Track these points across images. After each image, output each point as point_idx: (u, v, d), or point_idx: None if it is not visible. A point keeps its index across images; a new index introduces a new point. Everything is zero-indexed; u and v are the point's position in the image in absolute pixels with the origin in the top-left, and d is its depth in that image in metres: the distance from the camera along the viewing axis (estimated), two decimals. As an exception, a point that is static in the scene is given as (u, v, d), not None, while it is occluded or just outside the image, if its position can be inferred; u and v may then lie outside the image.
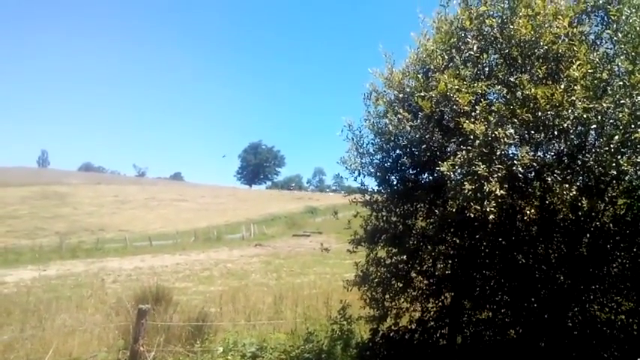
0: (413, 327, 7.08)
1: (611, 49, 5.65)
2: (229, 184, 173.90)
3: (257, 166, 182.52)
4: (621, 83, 5.24)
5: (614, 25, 5.57)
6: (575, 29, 5.45)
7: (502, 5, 5.95)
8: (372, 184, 6.97)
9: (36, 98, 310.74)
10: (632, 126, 4.92)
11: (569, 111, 5.16)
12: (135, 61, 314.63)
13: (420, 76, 6.20)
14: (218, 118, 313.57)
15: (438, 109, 5.84)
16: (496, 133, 5.15)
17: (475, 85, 5.52)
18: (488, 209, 4.91)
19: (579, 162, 5.50)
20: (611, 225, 5.98)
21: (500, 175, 5.05)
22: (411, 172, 6.83)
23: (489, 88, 5.75)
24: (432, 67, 6.12)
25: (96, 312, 12.13)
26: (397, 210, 6.90)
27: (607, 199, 5.83)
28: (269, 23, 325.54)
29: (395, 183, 6.90)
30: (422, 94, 5.82)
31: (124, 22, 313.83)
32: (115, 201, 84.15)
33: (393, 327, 7.12)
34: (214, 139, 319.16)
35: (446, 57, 6.05)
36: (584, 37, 5.69)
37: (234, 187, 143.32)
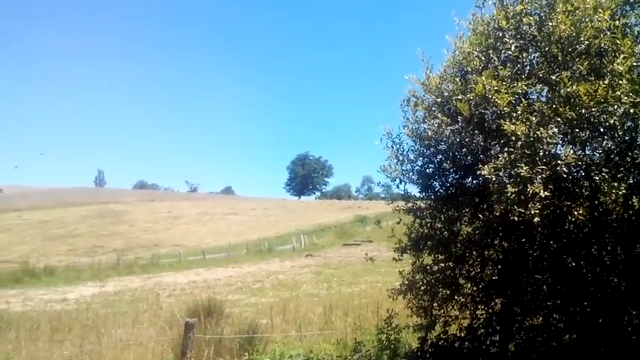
0: (462, 335, 6.92)
1: (658, 39, 5.41)
2: (279, 195, 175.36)
3: (305, 177, 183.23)
4: (670, 75, 5.01)
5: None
6: (617, 22, 5.24)
7: (540, 2, 5.81)
8: (414, 190, 6.89)
9: (91, 120, 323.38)
10: (684, 119, 4.70)
11: (615, 107, 4.97)
12: (182, 80, 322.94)
13: (457, 79, 6.11)
14: (265, 132, 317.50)
15: (477, 112, 5.73)
16: (538, 133, 5.01)
17: (515, 85, 5.40)
18: (532, 212, 4.76)
19: (629, 159, 5.28)
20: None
21: (544, 176, 4.91)
22: (453, 176, 6.72)
23: (530, 88, 5.62)
24: (470, 70, 6.01)
25: (150, 326, 12.41)
26: (441, 216, 6.77)
27: (661, 196, 5.55)
28: (312, 38, 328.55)
29: (437, 189, 6.79)
30: (460, 97, 5.72)
31: (175, 41, 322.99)
32: (169, 217, 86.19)
33: (441, 335, 6.98)
34: (263, 153, 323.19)
35: (483, 58, 5.94)
36: (628, 30, 5.47)
37: (284, 199, 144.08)
